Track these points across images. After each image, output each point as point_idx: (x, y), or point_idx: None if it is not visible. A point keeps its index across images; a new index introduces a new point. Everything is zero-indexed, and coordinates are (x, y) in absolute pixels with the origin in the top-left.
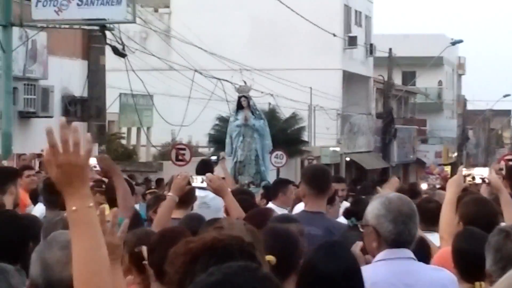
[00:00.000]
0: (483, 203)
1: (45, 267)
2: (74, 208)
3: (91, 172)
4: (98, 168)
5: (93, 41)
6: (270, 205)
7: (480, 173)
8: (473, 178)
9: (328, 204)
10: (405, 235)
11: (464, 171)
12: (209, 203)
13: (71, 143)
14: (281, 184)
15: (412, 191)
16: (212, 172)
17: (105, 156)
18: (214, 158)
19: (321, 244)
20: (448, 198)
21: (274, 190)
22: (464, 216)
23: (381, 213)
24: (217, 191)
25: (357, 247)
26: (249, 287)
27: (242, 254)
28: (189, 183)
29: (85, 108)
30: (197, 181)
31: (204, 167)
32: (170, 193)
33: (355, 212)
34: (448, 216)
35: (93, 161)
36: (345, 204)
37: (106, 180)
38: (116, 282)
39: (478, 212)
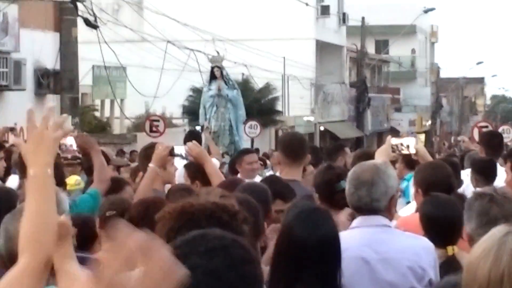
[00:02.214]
0: (440, 167)
1: (8, 238)
2: (31, 172)
3: (67, 150)
4: (75, 147)
5: (64, 13)
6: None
7: (408, 142)
8: (408, 147)
9: None
10: (365, 202)
11: (393, 140)
12: None
13: (49, 121)
14: (237, 156)
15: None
16: (200, 141)
17: (82, 134)
18: (198, 128)
19: (300, 209)
20: None
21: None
22: (422, 181)
23: (348, 179)
24: (197, 159)
25: (345, 213)
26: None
27: (209, 221)
28: (170, 154)
29: (58, 80)
30: (178, 151)
31: (192, 137)
32: (151, 164)
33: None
34: None
35: (70, 140)
36: None
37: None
38: (62, 262)
39: (437, 176)
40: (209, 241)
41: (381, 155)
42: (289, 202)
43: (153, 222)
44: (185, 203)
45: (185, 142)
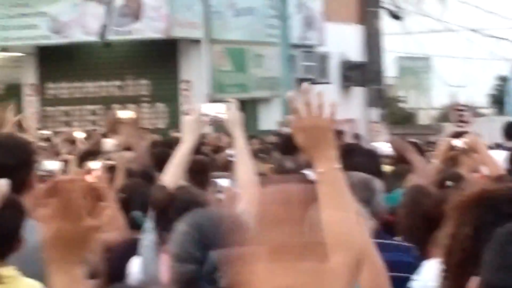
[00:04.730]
0: None
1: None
2: (321, 170)
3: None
4: (389, 152)
5: (368, 5)
6: None
7: None
8: None
9: None
10: None
11: None
12: None
13: (314, 106)
14: None
15: None
16: None
17: (395, 139)
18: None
19: None
20: None
21: None
22: None
23: None
24: (472, 149)
25: None
26: None
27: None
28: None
29: (363, 73)
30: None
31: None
32: (433, 160)
33: None
34: None
35: (384, 145)
36: None
37: None
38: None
39: None
40: None
41: None
42: None
43: None
44: (476, 192)
45: (505, 133)
